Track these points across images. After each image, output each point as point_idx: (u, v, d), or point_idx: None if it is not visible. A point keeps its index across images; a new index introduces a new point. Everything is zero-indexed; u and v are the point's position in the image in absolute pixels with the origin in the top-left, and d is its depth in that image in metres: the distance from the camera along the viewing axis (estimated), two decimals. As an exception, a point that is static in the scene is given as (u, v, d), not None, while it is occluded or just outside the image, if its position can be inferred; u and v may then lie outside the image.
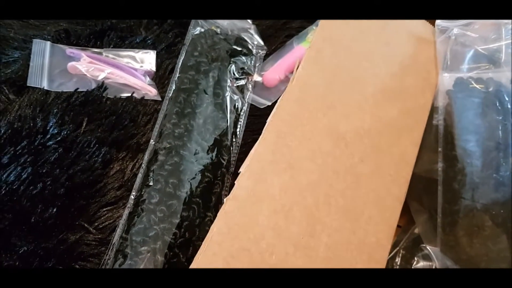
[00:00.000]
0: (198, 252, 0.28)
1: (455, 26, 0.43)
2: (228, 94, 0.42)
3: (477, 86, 0.40)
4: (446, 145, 0.40)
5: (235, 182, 0.31)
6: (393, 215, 0.34)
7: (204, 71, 0.43)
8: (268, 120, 0.33)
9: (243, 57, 0.46)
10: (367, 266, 0.32)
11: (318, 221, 0.31)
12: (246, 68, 0.46)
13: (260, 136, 0.33)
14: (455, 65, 0.43)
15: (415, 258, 0.43)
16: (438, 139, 0.40)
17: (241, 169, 0.31)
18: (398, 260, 0.44)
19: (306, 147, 0.33)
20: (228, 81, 0.43)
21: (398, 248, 0.45)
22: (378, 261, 0.32)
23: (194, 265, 0.28)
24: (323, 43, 0.37)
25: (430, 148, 0.41)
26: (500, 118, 0.39)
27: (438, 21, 0.44)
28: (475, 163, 0.39)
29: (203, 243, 0.29)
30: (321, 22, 0.39)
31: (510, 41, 0.41)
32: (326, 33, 0.38)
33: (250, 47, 0.48)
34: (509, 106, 0.38)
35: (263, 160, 0.32)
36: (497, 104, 0.39)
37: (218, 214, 0.30)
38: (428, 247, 0.42)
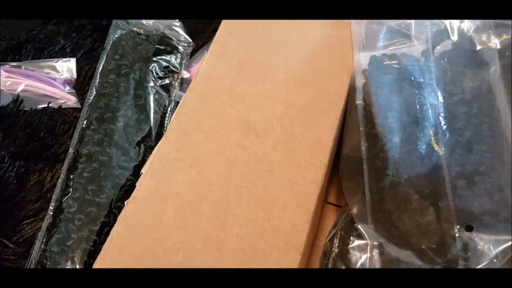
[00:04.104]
0: (97, 259, 0.28)
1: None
2: (151, 95, 0.42)
3: (391, 63, 0.40)
4: (366, 124, 0.39)
5: (136, 183, 0.30)
6: (310, 199, 0.34)
7: (125, 73, 0.42)
8: (171, 118, 0.33)
9: (167, 56, 0.45)
10: (283, 252, 0.31)
11: (229, 213, 0.31)
12: (170, 66, 0.45)
13: (163, 135, 0.32)
14: (371, 44, 0.42)
15: (351, 238, 0.42)
16: (359, 118, 0.40)
17: (143, 170, 0.31)
18: (336, 241, 0.43)
19: (214, 141, 0.33)
20: (151, 81, 0.43)
21: (336, 229, 0.44)
22: (295, 246, 0.32)
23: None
24: (228, 36, 0.36)
25: (356, 128, 0.41)
26: (415, 92, 0.38)
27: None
28: (395, 139, 0.39)
29: (102, 249, 0.28)
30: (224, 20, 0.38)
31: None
32: (231, 27, 0.37)
33: (175, 44, 0.47)
34: (421, 80, 0.38)
35: (166, 158, 0.31)
36: (411, 79, 0.39)
37: (118, 218, 0.29)
38: (360, 226, 0.42)
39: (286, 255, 0.30)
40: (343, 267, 0.41)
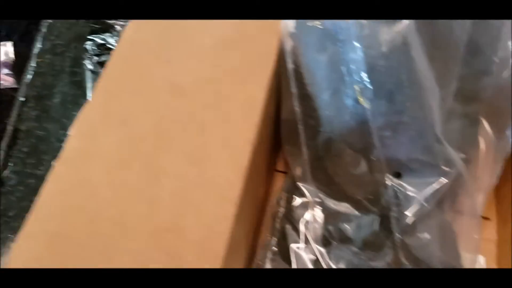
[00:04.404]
0: (26, 218, 0.28)
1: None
2: (87, 71, 0.42)
3: (314, 24, 0.41)
4: (298, 85, 0.41)
5: (63, 144, 0.31)
6: (244, 156, 0.34)
7: (60, 52, 0.42)
8: (96, 83, 0.33)
9: (103, 34, 0.46)
10: (219, 206, 0.31)
11: (160, 170, 0.31)
12: (107, 44, 0.45)
13: (89, 99, 0.33)
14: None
15: (294, 197, 0.44)
16: (290, 81, 0.41)
17: (69, 132, 0.31)
18: (282, 202, 0.45)
19: (141, 102, 0.33)
20: (86, 58, 0.43)
21: (281, 191, 0.46)
22: (230, 199, 0.32)
23: (24, 231, 0.28)
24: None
25: (289, 92, 0.42)
26: (339, 49, 0.40)
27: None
28: (324, 97, 0.40)
29: (31, 208, 0.29)
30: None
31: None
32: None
33: (112, 23, 0.48)
34: (343, 37, 0.40)
35: (92, 120, 0.31)
36: (334, 37, 0.40)
37: (46, 178, 0.30)
38: (302, 185, 0.44)
39: (221, 207, 0.31)
40: (289, 225, 0.43)
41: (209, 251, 0.29)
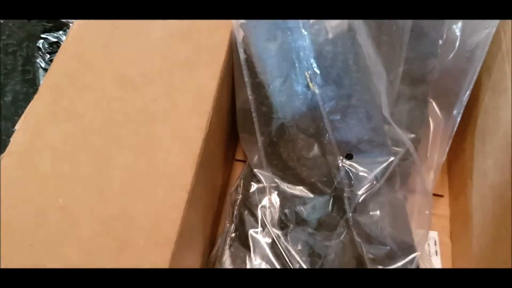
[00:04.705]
0: None
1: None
2: (39, 69, 0.42)
3: (264, 14, 0.42)
4: (250, 74, 0.41)
5: (10, 139, 0.31)
6: (195, 144, 0.34)
7: (12, 52, 0.42)
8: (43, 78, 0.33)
9: (56, 32, 0.46)
10: (170, 192, 0.32)
11: (110, 160, 0.31)
12: (60, 41, 0.45)
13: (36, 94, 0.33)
14: None
15: (251, 184, 0.45)
16: (243, 70, 0.42)
17: (16, 127, 0.31)
18: (239, 189, 0.46)
19: (89, 96, 0.33)
20: (39, 57, 0.43)
21: (239, 178, 0.47)
22: (182, 186, 0.32)
23: None
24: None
25: (242, 81, 0.43)
26: (288, 37, 0.41)
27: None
28: (276, 84, 0.41)
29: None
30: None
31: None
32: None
33: (65, 21, 0.47)
34: (291, 25, 0.40)
35: (39, 114, 0.31)
36: (283, 26, 0.41)
37: None
38: (258, 172, 0.45)
39: (173, 194, 0.31)
40: (246, 212, 0.44)
41: (159, 236, 0.29)
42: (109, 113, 0.33)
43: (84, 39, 0.35)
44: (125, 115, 0.34)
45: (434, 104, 0.46)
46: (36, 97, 0.32)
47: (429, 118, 0.46)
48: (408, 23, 0.41)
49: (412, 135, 0.44)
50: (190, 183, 0.33)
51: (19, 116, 0.37)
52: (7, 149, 0.30)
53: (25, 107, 0.38)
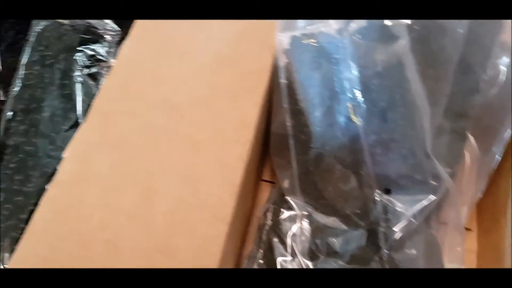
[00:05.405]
0: (20, 241, 0.27)
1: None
2: (77, 84, 0.41)
3: (309, 41, 0.41)
4: (290, 101, 0.40)
5: (58, 167, 0.30)
6: (236, 173, 0.34)
7: (49, 64, 0.41)
8: (92, 102, 0.32)
9: (93, 45, 0.44)
10: (210, 225, 0.31)
11: (154, 191, 0.31)
12: (97, 55, 0.44)
13: (85, 119, 0.32)
14: (291, 24, 0.43)
15: (282, 210, 0.44)
16: (283, 96, 0.41)
17: (65, 154, 0.31)
18: (269, 214, 0.45)
19: (137, 123, 0.32)
20: (77, 70, 0.42)
21: (268, 203, 0.46)
22: (222, 218, 0.32)
23: (15, 256, 0.27)
24: (147, 20, 0.37)
25: (281, 106, 0.42)
26: (333, 67, 0.40)
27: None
28: (316, 113, 0.40)
29: (25, 231, 0.28)
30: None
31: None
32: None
33: (102, 33, 0.46)
34: (338, 56, 0.39)
35: (88, 142, 0.30)
36: (329, 55, 0.40)
37: (40, 202, 0.29)
38: (290, 198, 0.43)
39: (214, 227, 0.31)
40: (276, 239, 0.43)
41: (200, 269, 0.29)
42: (155, 141, 0.32)
43: (132, 63, 0.34)
44: (171, 143, 0.33)
45: (472, 139, 0.45)
46: (85, 123, 0.31)
47: (467, 153, 0.45)
48: (455, 57, 0.40)
49: (449, 170, 0.43)
50: (230, 214, 0.32)
51: (56, 132, 0.36)
52: (55, 178, 0.29)
53: (62, 123, 0.37)
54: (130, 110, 0.33)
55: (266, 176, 0.50)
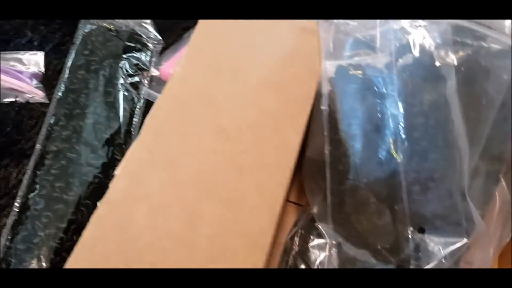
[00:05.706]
0: (68, 259, 0.27)
1: (337, 16, 0.43)
2: (120, 92, 0.41)
3: (356, 72, 0.41)
4: (330, 130, 0.40)
5: (109, 184, 0.30)
6: (276, 201, 0.34)
7: (94, 70, 0.41)
8: (145, 120, 0.32)
9: (137, 53, 0.44)
10: (251, 253, 0.31)
11: (199, 215, 0.31)
12: (140, 64, 0.44)
13: (138, 137, 0.32)
14: (337, 53, 0.43)
15: (311, 237, 0.44)
16: (323, 124, 0.41)
17: (116, 171, 0.30)
18: (296, 239, 0.44)
19: (186, 144, 0.32)
20: (121, 78, 0.42)
21: (297, 227, 0.45)
22: (261, 247, 0.32)
23: None
24: (202, 39, 0.36)
25: (320, 133, 0.42)
26: (378, 101, 0.39)
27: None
28: (356, 145, 0.40)
29: (74, 249, 0.28)
30: (200, 21, 0.38)
31: (384, 28, 0.41)
32: (205, 30, 0.37)
33: (145, 41, 0.46)
34: (384, 90, 0.39)
35: (139, 160, 0.30)
36: (374, 89, 0.40)
37: (90, 219, 0.29)
38: (321, 226, 0.43)
39: (253, 255, 0.31)
40: (303, 265, 0.42)
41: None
42: (202, 164, 0.32)
43: (185, 83, 0.34)
44: (217, 165, 0.33)
45: (503, 182, 0.45)
46: (137, 141, 0.31)
47: (498, 196, 0.44)
48: (497, 101, 0.40)
49: (480, 211, 0.42)
50: (268, 243, 0.32)
51: (98, 141, 0.36)
52: (106, 195, 0.29)
53: (105, 132, 0.37)
54: (181, 130, 0.33)
55: (293, 197, 0.50)
